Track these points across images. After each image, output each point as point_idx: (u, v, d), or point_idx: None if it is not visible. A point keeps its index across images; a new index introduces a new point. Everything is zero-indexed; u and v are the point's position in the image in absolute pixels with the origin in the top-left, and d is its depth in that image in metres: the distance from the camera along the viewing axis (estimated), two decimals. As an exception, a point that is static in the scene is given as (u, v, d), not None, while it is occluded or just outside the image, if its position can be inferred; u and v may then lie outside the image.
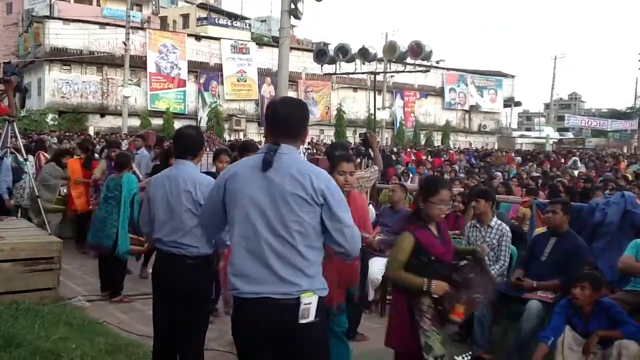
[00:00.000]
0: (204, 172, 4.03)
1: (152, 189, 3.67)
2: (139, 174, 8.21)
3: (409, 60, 17.57)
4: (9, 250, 5.61)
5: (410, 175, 13.09)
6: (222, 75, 37.34)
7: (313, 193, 2.49)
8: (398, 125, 44.12)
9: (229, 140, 28.85)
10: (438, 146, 38.49)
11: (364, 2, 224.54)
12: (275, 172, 2.53)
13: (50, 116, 31.38)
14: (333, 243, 2.59)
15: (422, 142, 42.73)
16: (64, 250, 6.52)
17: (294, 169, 2.52)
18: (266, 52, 38.26)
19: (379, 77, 27.72)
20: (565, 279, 4.51)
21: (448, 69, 46.18)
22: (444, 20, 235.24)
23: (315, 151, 20.00)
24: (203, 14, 43.20)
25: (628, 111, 64.82)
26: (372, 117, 26.30)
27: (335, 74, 18.73)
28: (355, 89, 42.33)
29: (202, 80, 36.77)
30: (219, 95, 36.97)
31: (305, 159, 9.14)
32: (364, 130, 18.44)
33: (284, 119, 2.64)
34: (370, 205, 5.86)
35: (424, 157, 21.23)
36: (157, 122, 33.57)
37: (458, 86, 49.16)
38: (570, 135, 60.20)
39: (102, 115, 34.14)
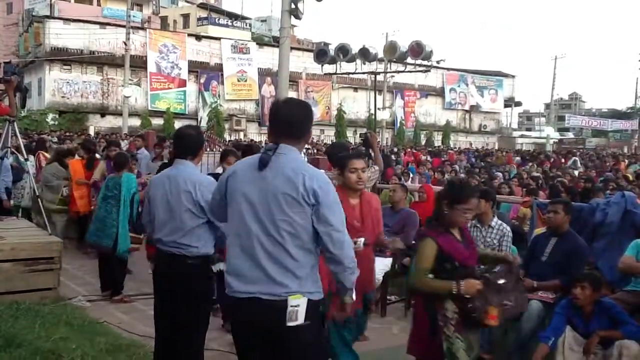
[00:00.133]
0: (210, 174, 4.04)
1: (153, 189, 3.68)
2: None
3: (409, 60, 17.57)
4: (9, 250, 5.61)
5: (411, 175, 13.10)
6: (222, 75, 37.34)
7: (304, 193, 2.47)
8: (398, 125, 44.10)
9: (229, 140, 28.87)
10: (438, 146, 38.47)
11: (365, 2, 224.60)
12: (270, 171, 2.54)
13: (50, 116, 31.37)
14: (322, 247, 2.55)
15: (423, 142, 42.72)
16: (65, 250, 6.52)
17: (289, 168, 2.52)
18: (266, 52, 38.25)
19: (380, 77, 27.71)
20: (566, 279, 4.51)
21: (448, 69, 46.17)
22: (444, 20, 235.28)
23: (315, 151, 19.98)
24: (203, 13, 43.19)
25: (628, 111, 64.81)
26: (373, 117, 26.32)
27: (335, 73, 18.74)
28: (355, 89, 42.33)
29: (202, 80, 36.77)
30: (219, 95, 36.96)
31: (306, 159, 9.14)
32: (364, 131, 18.47)
33: (285, 119, 2.63)
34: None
35: (422, 157, 21.22)
36: (157, 122, 33.55)
37: (458, 86, 49.15)
38: (570, 135, 60.23)
39: (103, 115, 34.14)
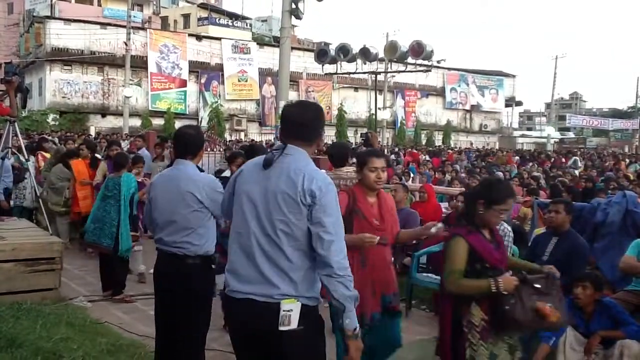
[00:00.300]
0: (219, 177, 4.02)
1: (154, 189, 3.68)
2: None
3: (410, 60, 17.61)
4: (10, 250, 5.61)
5: (411, 175, 13.09)
6: (223, 75, 37.37)
7: (302, 193, 2.45)
8: (399, 125, 44.10)
9: (229, 140, 28.86)
10: (438, 146, 38.47)
11: (365, 2, 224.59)
12: (274, 171, 2.53)
13: (51, 116, 31.40)
14: (314, 248, 2.47)
15: (423, 142, 42.72)
16: (66, 250, 6.53)
17: (292, 168, 2.51)
18: (267, 52, 38.28)
19: (380, 77, 27.70)
20: (567, 279, 4.50)
21: (449, 69, 46.17)
22: (445, 20, 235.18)
23: (316, 151, 19.97)
24: (204, 14, 43.21)
25: (629, 110, 64.82)
26: (373, 117, 26.32)
27: (336, 73, 18.77)
28: (356, 89, 42.35)
29: (203, 80, 36.79)
30: (219, 95, 36.97)
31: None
32: (365, 130, 18.47)
33: (295, 121, 2.62)
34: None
35: (421, 157, 21.23)
36: (158, 122, 33.58)
37: (459, 86, 49.16)
38: (571, 134, 60.22)
39: (103, 116, 34.18)
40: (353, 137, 37.58)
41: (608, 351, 4.01)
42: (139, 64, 33.93)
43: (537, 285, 3.20)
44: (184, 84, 36.00)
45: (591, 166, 19.24)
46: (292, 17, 13.21)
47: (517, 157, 23.85)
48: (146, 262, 6.67)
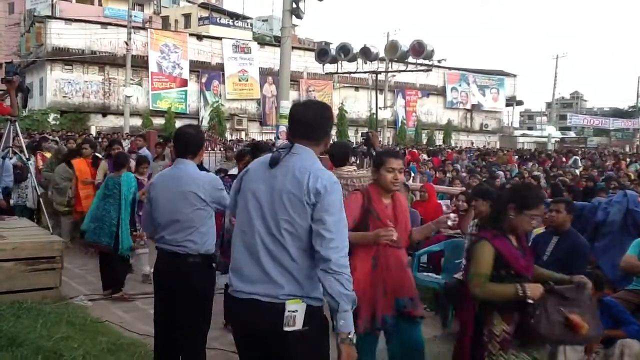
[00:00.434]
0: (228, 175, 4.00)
1: (154, 189, 3.67)
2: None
3: (410, 59, 17.56)
4: (11, 249, 5.61)
5: (412, 175, 13.08)
6: (223, 74, 37.39)
7: (306, 192, 2.42)
8: (400, 124, 44.12)
9: (230, 140, 28.87)
10: (439, 145, 38.47)
11: (366, 2, 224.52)
12: (280, 170, 2.51)
13: (52, 116, 31.45)
14: (313, 245, 2.42)
15: (424, 142, 42.73)
16: (66, 249, 6.53)
17: (298, 167, 2.48)
18: (268, 52, 38.30)
19: (381, 77, 27.67)
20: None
21: (450, 68, 46.18)
22: (445, 19, 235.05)
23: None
24: (205, 13, 43.24)
25: (630, 110, 64.78)
26: (374, 116, 26.29)
27: (337, 73, 18.73)
28: (357, 89, 42.37)
29: (203, 80, 36.82)
30: (220, 95, 37.00)
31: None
32: (365, 130, 18.45)
33: (302, 120, 2.59)
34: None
35: (421, 157, 21.24)
36: (158, 121, 33.62)
37: (460, 85, 49.16)
38: (572, 134, 60.23)
39: (104, 115, 34.21)
40: (354, 136, 37.60)
41: (609, 350, 4.01)
42: (140, 63, 33.96)
43: (567, 295, 3.08)
44: (184, 83, 36.02)
45: (591, 165, 19.22)
46: (293, 16, 13.18)
47: (515, 157, 23.83)
48: (150, 263, 6.66)
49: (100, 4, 41.09)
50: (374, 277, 3.44)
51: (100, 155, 8.98)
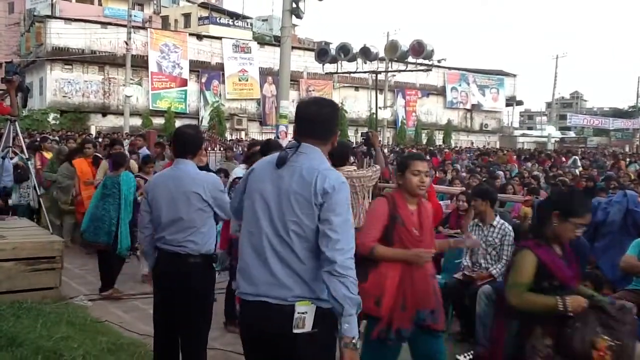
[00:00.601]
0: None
1: (154, 189, 3.65)
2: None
3: (410, 59, 17.53)
4: (11, 249, 5.62)
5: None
6: (223, 74, 37.39)
7: (314, 193, 2.37)
8: (400, 124, 44.13)
9: (230, 140, 28.87)
10: (439, 145, 38.49)
11: (366, 2, 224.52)
12: (288, 170, 2.46)
13: (52, 116, 31.44)
14: (319, 245, 2.37)
15: (424, 142, 42.74)
16: (66, 249, 6.53)
17: (305, 167, 2.43)
18: (268, 52, 38.30)
19: (381, 77, 27.67)
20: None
21: (450, 68, 46.18)
22: (445, 19, 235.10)
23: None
24: (204, 13, 43.23)
25: (630, 110, 64.78)
26: (374, 116, 26.29)
27: (336, 73, 18.68)
28: (356, 88, 42.37)
29: (203, 80, 36.82)
30: (220, 95, 37.00)
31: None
32: (365, 130, 18.45)
33: (309, 118, 2.54)
34: (372, 205, 5.85)
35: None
36: (158, 121, 33.63)
37: (460, 85, 49.17)
38: (572, 134, 60.24)
39: (104, 115, 34.20)
40: (354, 136, 37.59)
41: (608, 350, 4.01)
42: (140, 63, 33.95)
43: (613, 314, 2.92)
44: (184, 83, 36.02)
45: (589, 165, 19.21)
46: (293, 16, 13.19)
47: (514, 157, 23.83)
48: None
49: (100, 4, 41.09)
50: (391, 284, 3.33)
51: (100, 155, 8.98)
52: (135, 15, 35.28)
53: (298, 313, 2.37)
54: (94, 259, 7.14)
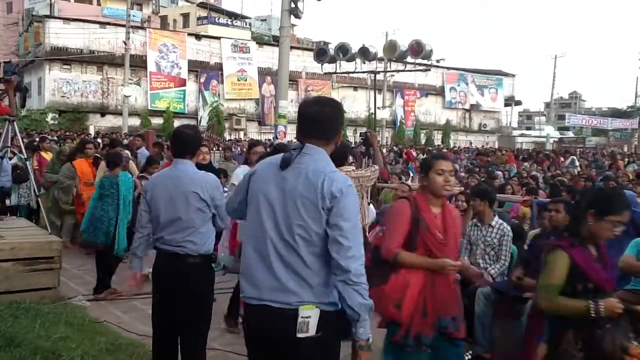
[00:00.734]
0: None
1: (153, 189, 3.65)
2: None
3: (409, 59, 17.59)
4: (9, 249, 5.61)
5: (411, 175, 13.10)
6: (222, 74, 37.36)
7: (321, 197, 2.34)
8: (398, 124, 44.12)
9: (229, 140, 28.86)
10: (438, 145, 38.51)
11: (365, 2, 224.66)
12: (292, 172, 2.42)
13: (50, 115, 31.40)
14: (330, 251, 2.36)
15: (423, 142, 42.75)
16: (65, 249, 6.52)
17: (311, 170, 2.39)
18: (266, 51, 38.27)
19: (379, 76, 27.72)
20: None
21: (448, 68, 46.18)
22: (444, 19, 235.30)
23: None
24: (203, 13, 43.19)
25: (628, 110, 64.84)
26: (373, 116, 26.32)
27: (335, 73, 18.73)
28: (355, 88, 42.36)
29: (202, 80, 36.79)
30: (219, 95, 36.98)
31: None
32: (364, 130, 18.47)
33: (310, 118, 2.50)
34: (371, 205, 5.85)
35: (414, 155, 21.33)
36: (157, 121, 33.61)
37: (458, 85, 49.17)
38: (570, 134, 60.25)
39: (103, 115, 34.16)
40: (352, 136, 37.59)
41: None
42: (138, 63, 33.92)
43: None
44: (183, 83, 35.99)
45: (587, 165, 19.24)
46: (292, 16, 13.21)
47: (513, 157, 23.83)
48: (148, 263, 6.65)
49: (98, 4, 41.04)
50: (412, 290, 3.25)
51: (100, 156, 8.98)
52: (134, 15, 35.24)
53: (302, 317, 2.35)
54: (92, 260, 7.13)
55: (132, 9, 34.72)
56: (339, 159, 5.37)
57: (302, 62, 36.59)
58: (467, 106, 49.92)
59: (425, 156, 4.15)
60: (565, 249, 2.85)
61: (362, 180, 5.04)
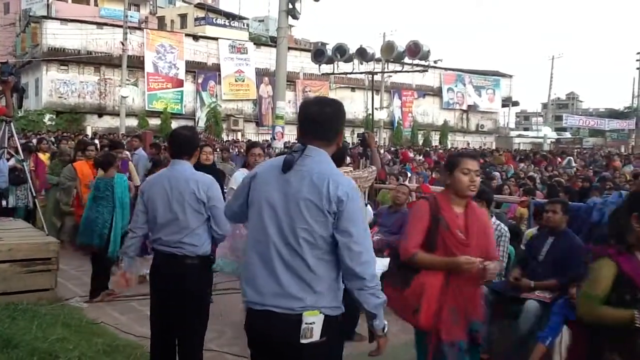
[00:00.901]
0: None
1: (150, 189, 3.65)
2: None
3: (406, 60, 17.63)
4: (7, 251, 5.61)
5: (408, 175, 13.12)
6: (219, 75, 37.33)
7: (327, 201, 2.31)
8: (396, 125, 44.13)
9: (226, 141, 28.83)
10: (435, 146, 38.53)
11: (362, 2, 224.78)
12: (295, 174, 2.38)
13: (47, 116, 31.33)
14: (340, 261, 2.36)
15: (420, 142, 42.77)
16: (62, 251, 6.51)
17: (315, 172, 2.36)
18: (264, 52, 38.24)
19: (377, 77, 27.74)
20: (563, 279, 4.52)
21: (446, 69, 46.20)
22: (441, 20, 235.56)
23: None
24: (201, 13, 43.19)
25: (625, 111, 64.95)
26: (370, 117, 26.34)
27: (333, 73, 18.77)
28: (353, 89, 42.36)
29: (200, 80, 36.75)
30: (216, 95, 36.96)
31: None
32: (362, 131, 18.49)
33: (311, 119, 2.47)
34: (368, 206, 5.85)
35: (411, 156, 21.38)
36: (154, 122, 33.58)
37: (456, 86, 49.21)
38: (567, 134, 60.32)
39: (100, 116, 34.11)
40: (350, 137, 37.58)
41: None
42: (136, 64, 33.86)
43: None
44: (180, 84, 35.95)
45: (584, 166, 19.27)
46: (289, 17, 13.20)
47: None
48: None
49: (96, 4, 41.01)
50: (444, 298, 3.13)
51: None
52: (131, 16, 35.21)
53: (306, 324, 2.33)
54: (89, 261, 7.13)
55: (130, 10, 34.68)
56: (336, 159, 5.39)
57: (299, 62, 36.60)
58: (464, 107, 49.96)
59: (450, 154, 4.03)
60: (612, 257, 2.69)
61: (360, 181, 5.04)
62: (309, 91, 39.68)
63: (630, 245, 2.70)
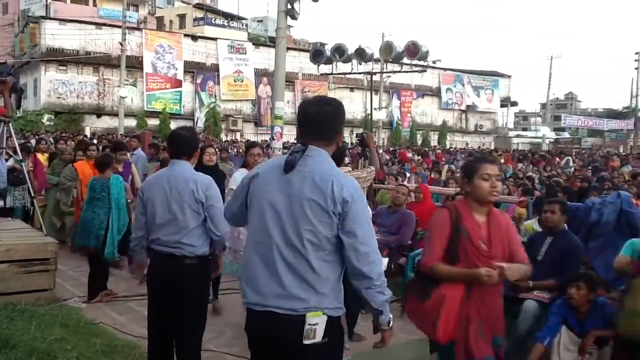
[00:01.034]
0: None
1: (149, 189, 3.66)
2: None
3: (405, 60, 17.62)
4: (5, 251, 5.60)
5: (407, 175, 13.13)
6: (218, 75, 37.33)
7: (332, 202, 2.30)
8: (395, 125, 44.15)
9: (225, 141, 28.84)
10: (434, 146, 38.55)
11: (361, 3, 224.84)
12: (297, 175, 2.36)
13: (46, 117, 31.33)
14: (347, 261, 2.36)
15: (419, 143, 42.79)
16: (60, 251, 6.50)
17: (317, 173, 2.34)
18: (263, 52, 38.24)
19: (376, 77, 27.74)
20: (561, 279, 4.52)
21: (445, 69, 46.25)
22: (440, 20, 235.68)
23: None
24: (199, 14, 43.17)
25: (624, 111, 65.00)
26: (369, 117, 26.34)
27: (332, 74, 18.76)
28: (352, 89, 42.37)
29: (198, 81, 36.75)
30: (215, 96, 36.95)
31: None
32: (361, 131, 18.49)
33: (310, 119, 2.46)
34: (367, 206, 5.85)
35: (410, 156, 21.38)
36: (153, 122, 33.57)
37: (454, 86, 49.24)
38: (566, 135, 60.40)
39: (99, 116, 34.10)
40: (349, 137, 37.57)
41: (602, 351, 4.02)
42: (135, 64, 33.85)
43: None
44: (179, 84, 35.95)
45: (582, 166, 19.29)
46: (288, 17, 13.17)
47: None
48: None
49: (94, 5, 41.00)
50: (466, 312, 3.04)
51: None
52: (130, 16, 35.18)
53: (309, 325, 2.32)
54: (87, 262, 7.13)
55: (128, 10, 34.63)
56: (336, 159, 5.39)
57: (298, 63, 36.60)
58: (463, 107, 50.00)
59: (468, 159, 3.87)
60: None
61: (359, 182, 5.04)
62: (308, 91, 39.66)
63: None
